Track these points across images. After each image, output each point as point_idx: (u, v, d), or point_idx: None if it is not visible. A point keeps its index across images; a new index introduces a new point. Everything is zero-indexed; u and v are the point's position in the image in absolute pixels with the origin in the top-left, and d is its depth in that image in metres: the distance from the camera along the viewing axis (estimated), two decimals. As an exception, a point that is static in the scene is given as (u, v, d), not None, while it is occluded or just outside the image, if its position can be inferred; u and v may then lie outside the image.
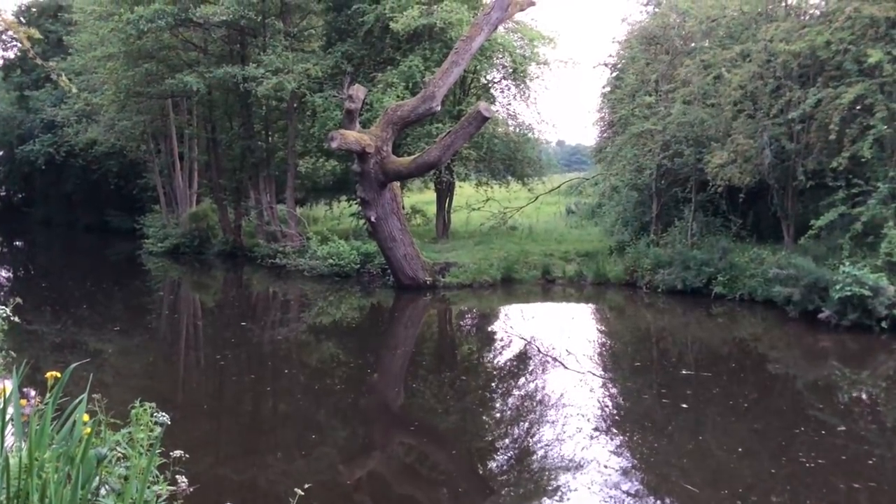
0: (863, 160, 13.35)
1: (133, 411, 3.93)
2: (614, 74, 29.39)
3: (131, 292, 21.93)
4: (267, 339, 15.25)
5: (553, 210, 30.74)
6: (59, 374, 4.41)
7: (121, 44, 24.07)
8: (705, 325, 15.47)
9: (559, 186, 26.02)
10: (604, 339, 15.12)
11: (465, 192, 27.72)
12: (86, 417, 3.63)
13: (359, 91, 16.57)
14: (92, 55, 28.00)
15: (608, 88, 32.57)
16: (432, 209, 27.60)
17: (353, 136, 15.98)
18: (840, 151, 13.50)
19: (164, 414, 4.42)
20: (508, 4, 16.85)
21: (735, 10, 16.37)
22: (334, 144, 15.63)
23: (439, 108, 17.01)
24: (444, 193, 24.05)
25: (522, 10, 17.39)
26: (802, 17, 15.28)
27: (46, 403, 3.95)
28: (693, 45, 18.77)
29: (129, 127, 30.35)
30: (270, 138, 26.66)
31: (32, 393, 4.66)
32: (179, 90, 24.30)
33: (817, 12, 14.77)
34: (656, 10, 28.00)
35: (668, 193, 19.20)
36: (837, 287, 12.67)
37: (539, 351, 13.08)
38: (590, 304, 18.25)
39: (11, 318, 6.34)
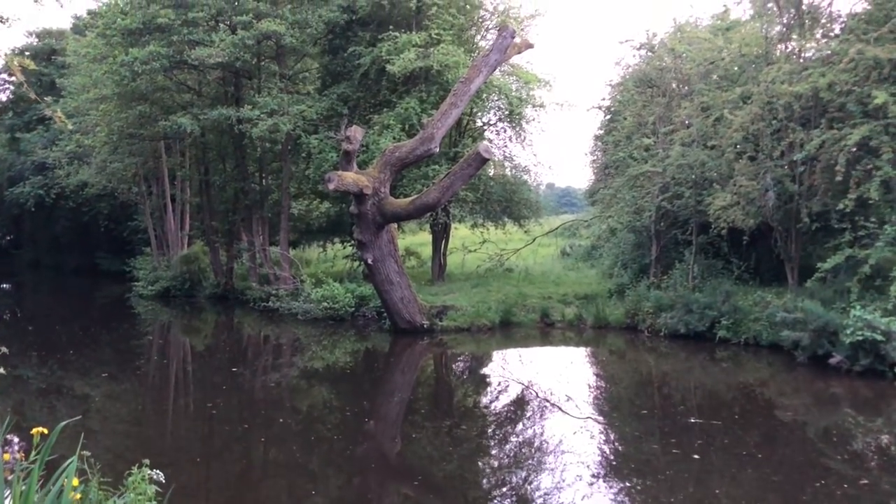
0: (870, 202, 13.19)
1: (130, 479, 3.55)
2: (608, 117, 29.49)
3: (120, 336, 21.43)
4: (259, 385, 14.83)
5: (548, 252, 30.53)
6: (45, 431, 4.04)
7: (114, 85, 23.94)
8: (710, 369, 15.13)
9: (557, 228, 25.83)
10: (606, 385, 14.75)
11: (459, 233, 27.49)
12: (75, 482, 3.26)
13: (356, 132, 16.40)
14: (85, 97, 27.91)
15: (601, 131, 32.70)
16: (426, 251, 27.33)
17: (351, 178, 15.75)
18: (846, 193, 13.34)
19: (158, 472, 4.05)
20: (507, 47, 16.81)
21: (734, 52, 16.37)
22: (332, 186, 15.39)
23: (437, 149, 16.85)
24: (440, 235, 23.80)
25: (520, 52, 17.36)
26: (802, 59, 15.25)
27: (34, 462, 3.58)
28: (688, 87, 18.73)
29: (121, 169, 30.17)
30: (264, 180, 26.47)
31: (16, 440, 4.24)
32: (173, 132, 24.13)
33: (817, 54, 14.72)
34: (650, 53, 28.24)
35: (667, 236, 19.00)
36: (848, 331, 12.38)
37: (538, 396, 12.74)
38: (590, 349, 17.88)
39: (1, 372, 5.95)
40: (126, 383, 14.91)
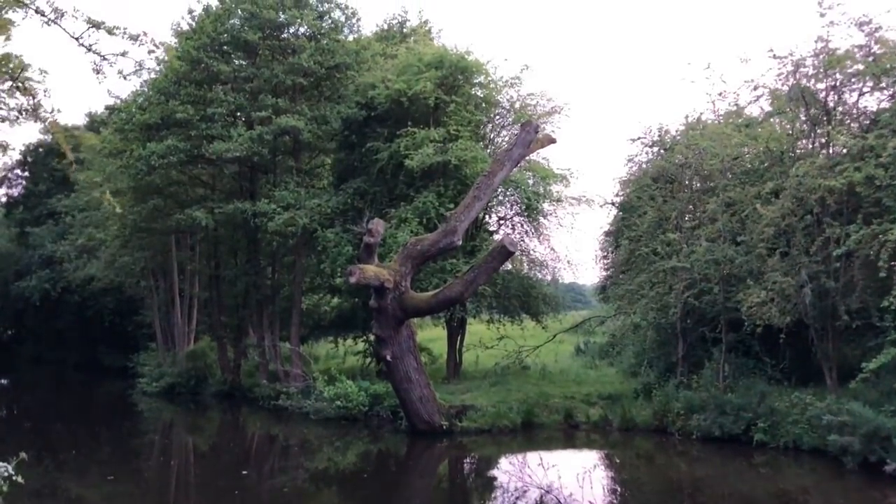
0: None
1: None
2: (620, 214, 29.26)
3: (124, 436, 20.58)
4: (270, 489, 14.03)
5: (562, 349, 29.74)
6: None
7: (130, 179, 23.93)
8: (748, 476, 14.25)
9: (579, 324, 25.22)
10: (643, 492, 13.85)
11: (472, 328, 26.82)
12: None
13: (378, 225, 16.11)
14: (99, 191, 27.96)
15: (611, 227, 32.48)
16: (437, 347, 26.63)
17: (373, 271, 15.35)
18: (887, 290, 12.85)
19: None
20: (530, 142, 16.73)
21: (760, 147, 16.23)
22: (353, 279, 14.97)
23: (460, 242, 16.53)
24: (456, 331, 23.19)
25: (543, 147, 17.32)
26: (832, 154, 15.05)
27: None
28: (710, 183, 18.52)
29: (130, 263, 29.86)
30: (276, 274, 26.07)
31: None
32: (187, 225, 23.95)
33: (847, 148, 14.49)
34: (662, 150, 28.30)
35: (693, 333, 18.38)
36: (904, 436, 11.66)
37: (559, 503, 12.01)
38: (618, 452, 17.02)
39: (14, 478, 5.37)
40: (132, 486, 14.11)
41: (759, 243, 14.88)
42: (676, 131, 27.28)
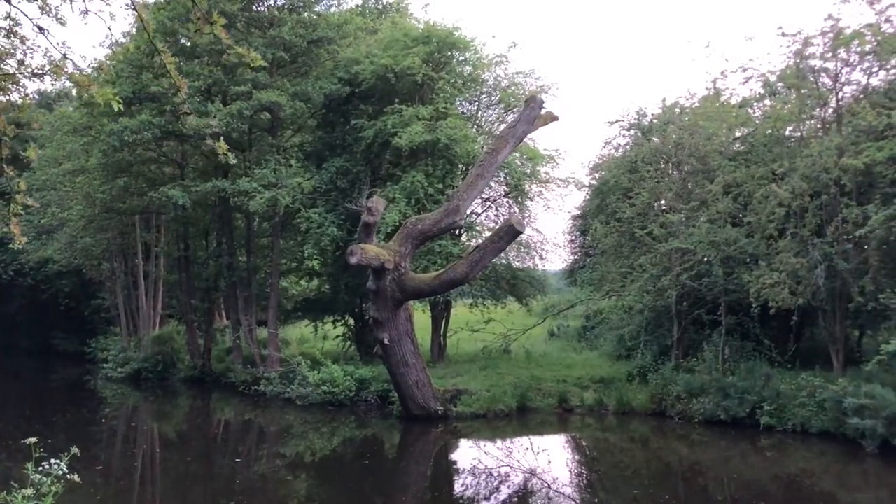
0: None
1: None
2: (597, 198, 28.93)
3: (92, 424, 19.57)
4: (272, 479, 13.40)
5: (535, 333, 29.47)
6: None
7: (102, 155, 22.63)
8: (753, 459, 14.09)
9: (571, 307, 24.90)
10: (658, 478, 13.59)
11: (454, 312, 26.33)
12: None
13: (378, 203, 15.47)
14: (62, 168, 26.58)
15: (580, 211, 32.17)
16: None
17: (374, 251, 14.72)
18: (904, 271, 12.79)
19: None
20: (534, 118, 16.24)
21: (767, 128, 16.02)
22: (354, 260, 14.32)
23: (463, 221, 16.02)
24: (441, 314, 22.68)
25: (546, 123, 16.84)
26: (846, 133, 14.86)
27: None
28: (706, 164, 18.28)
29: (91, 244, 28.52)
30: (251, 256, 25.10)
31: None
32: (160, 204, 22.84)
33: (862, 127, 14.29)
34: (639, 133, 28.07)
35: (689, 315, 18.19)
36: (931, 418, 11.59)
37: (549, 487, 11.85)
38: (615, 435, 16.76)
39: (69, 477, 4.70)
40: (127, 476, 13.33)
41: (769, 224, 14.67)
42: (653, 115, 27.12)
